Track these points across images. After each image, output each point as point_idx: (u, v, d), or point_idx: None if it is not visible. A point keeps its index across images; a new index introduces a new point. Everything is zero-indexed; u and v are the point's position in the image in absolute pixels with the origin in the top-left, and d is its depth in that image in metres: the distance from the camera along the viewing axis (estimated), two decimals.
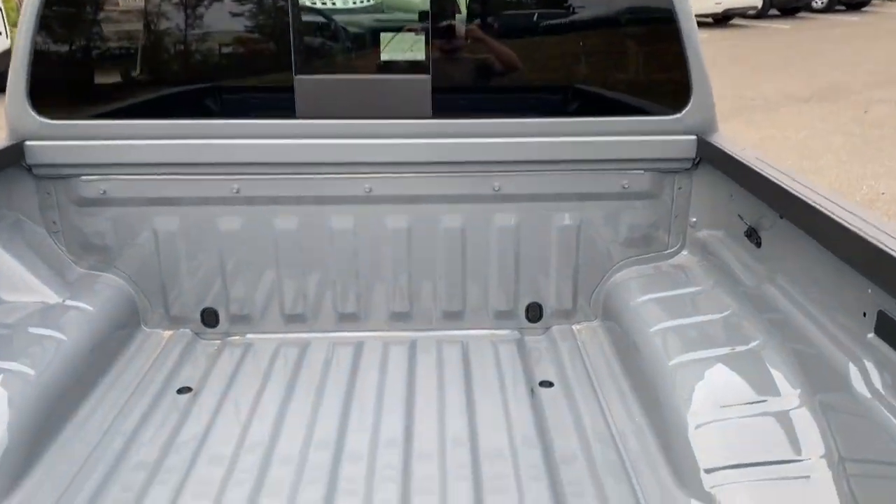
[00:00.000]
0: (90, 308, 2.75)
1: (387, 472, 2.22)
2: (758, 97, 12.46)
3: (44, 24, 2.73)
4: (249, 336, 3.03)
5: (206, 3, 2.85)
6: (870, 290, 1.81)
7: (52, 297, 2.72)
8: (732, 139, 2.81)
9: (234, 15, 2.87)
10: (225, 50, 2.92)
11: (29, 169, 2.82)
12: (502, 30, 2.96)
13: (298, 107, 2.81)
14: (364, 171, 2.86)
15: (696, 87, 2.83)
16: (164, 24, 2.85)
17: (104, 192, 2.85)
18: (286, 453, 2.31)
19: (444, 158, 2.85)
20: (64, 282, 2.82)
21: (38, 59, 2.75)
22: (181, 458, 2.28)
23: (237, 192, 2.87)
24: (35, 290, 2.71)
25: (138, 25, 2.88)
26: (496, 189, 2.90)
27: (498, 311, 3.07)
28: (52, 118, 2.79)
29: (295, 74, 2.79)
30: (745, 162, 2.48)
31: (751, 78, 13.95)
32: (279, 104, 2.83)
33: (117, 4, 2.88)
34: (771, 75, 14.38)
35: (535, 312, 3.07)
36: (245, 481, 2.17)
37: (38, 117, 2.77)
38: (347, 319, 3.05)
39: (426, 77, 2.81)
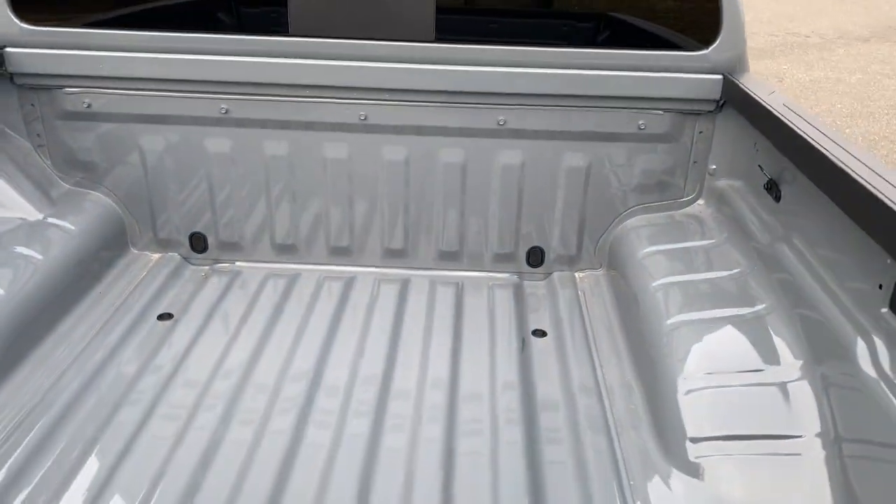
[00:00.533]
0: (73, 226, 2.70)
1: (360, 408, 2.18)
2: (813, 34, 11.80)
3: None
4: (238, 264, 2.97)
5: None
6: (889, 261, 1.66)
7: (34, 214, 2.66)
8: (761, 81, 2.56)
9: None
10: None
11: (10, 78, 2.71)
12: None
13: (292, 23, 2.63)
14: (357, 97, 2.70)
15: (726, 20, 2.58)
16: None
17: (89, 105, 2.74)
18: (261, 382, 2.28)
19: (446, 87, 2.67)
20: (48, 198, 2.77)
21: None
22: (156, 379, 2.27)
23: (225, 112, 2.73)
24: (17, 205, 2.65)
25: None
26: (501, 123, 2.72)
27: (497, 253, 2.93)
28: (35, 24, 2.67)
29: None
30: (768, 107, 2.26)
31: (806, 12, 13.20)
32: (272, 19, 2.65)
33: None
34: (829, 10, 13.58)
35: (536, 257, 2.93)
36: (216, 406, 2.16)
37: (19, 23, 2.66)
38: (339, 253, 2.95)
39: None
